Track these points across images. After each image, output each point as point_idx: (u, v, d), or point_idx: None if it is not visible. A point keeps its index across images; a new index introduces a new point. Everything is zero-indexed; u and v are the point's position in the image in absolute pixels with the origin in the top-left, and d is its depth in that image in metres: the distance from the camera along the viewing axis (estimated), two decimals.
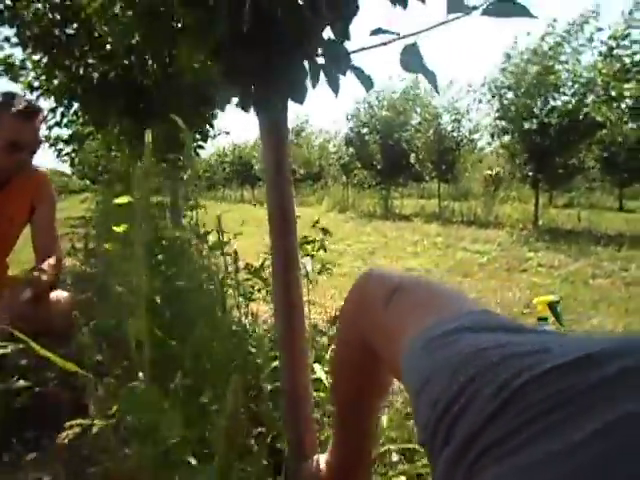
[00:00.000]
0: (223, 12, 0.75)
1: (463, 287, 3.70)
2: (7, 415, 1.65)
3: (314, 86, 0.85)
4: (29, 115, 1.79)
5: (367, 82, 0.93)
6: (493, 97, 7.30)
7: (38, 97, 3.09)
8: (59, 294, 1.95)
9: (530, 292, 3.46)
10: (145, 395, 1.28)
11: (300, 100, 0.87)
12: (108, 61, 2.81)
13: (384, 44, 0.91)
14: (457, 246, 5.70)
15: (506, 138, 7.68)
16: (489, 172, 10.26)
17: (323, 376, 1.25)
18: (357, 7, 0.89)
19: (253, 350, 1.70)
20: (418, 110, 10.57)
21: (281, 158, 0.96)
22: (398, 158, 11.14)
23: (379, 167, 11.52)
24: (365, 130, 11.95)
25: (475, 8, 0.82)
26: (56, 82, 2.87)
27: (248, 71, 0.82)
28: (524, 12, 0.81)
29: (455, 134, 9.69)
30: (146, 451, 1.11)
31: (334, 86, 0.94)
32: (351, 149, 12.70)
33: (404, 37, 0.88)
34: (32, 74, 2.99)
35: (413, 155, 10.85)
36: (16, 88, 3.62)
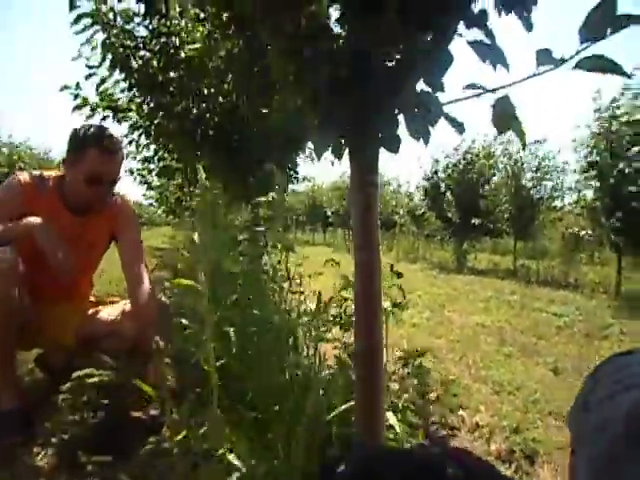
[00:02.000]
0: (320, 63, 0.80)
1: (539, 348, 3.53)
2: (84, 430, 1.73)
3: (414, 137, 0.88)
4: (112, 150, 1.89)
5: (460, 128, 0.95)
6: (585, 157, 7.05)
7: (140, 135, 3.33)
8: (145, 297, 1.97)
9: None
10: (212, 427, 1.31)
11: (394, 150, 0.90)
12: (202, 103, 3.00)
13: (476, 96, 0.93)
14: (532, 306, 5.47)
15: (589, 194, 7.39)
16: (569, 230, 9.85)
17: (396, 424, 1.23)
18: (451, 59, 0.92)
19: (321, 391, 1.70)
20: (500, 164, 10.40)
21: (371, 204, 0.99)
22: (474, 211, 10.96)
23: (453, 219, 11.37)
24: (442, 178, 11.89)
25: (564, 61, 0.82)
26: (155, 122, 3.08)
27: (344, 121, 0.86)
28: (616, 69, 0.81)
29: (536, 191, 9.43)
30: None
31: (425, 137, 0.97)
32: (426, 200, 12.62)
33: (495, 90, 0.90)
34: (135, 116, 3.24)
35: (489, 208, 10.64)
36: (120, 128, 3.91)
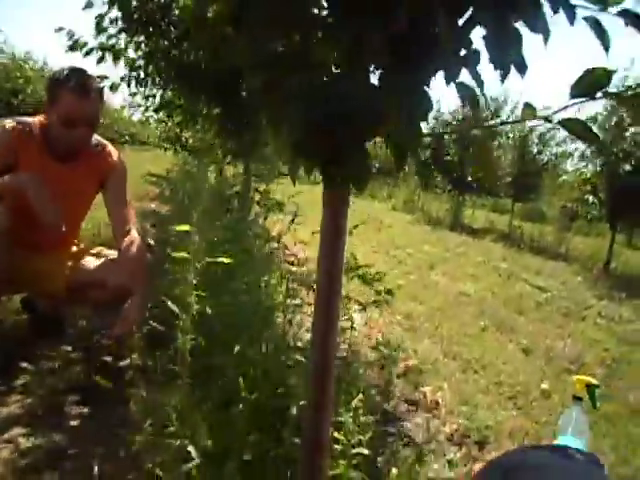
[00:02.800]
0: (296, 107, 0.80)
1: (515, 325, 3.64)
2: None
3: None
4: (86, 91, 1.86)
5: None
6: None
7: (138, 77, 3.25)
8: (133, 250, 1.98)
9: (582, 346, 3.36)
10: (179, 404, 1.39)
11: (361, 189, 0.92)
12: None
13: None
14: (519, 276, 5.56)
15: (590, 168, 7.37)
16: (567, 204, 9.82)
17: (348, 421, 1.30)
18: (431, 105, 0.91)
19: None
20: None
21: (340, 233, 1.02)
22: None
23: (455, 174, 11.29)
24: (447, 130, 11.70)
25: (547, 119, 0.83)
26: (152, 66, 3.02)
27: (316, 156, 0.88)
28: (591, 137, 0.83)
29: (540, 157, 9.36)
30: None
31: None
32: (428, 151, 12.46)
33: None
34: (132, 56, 3.15)
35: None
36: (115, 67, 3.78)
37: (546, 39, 0.81)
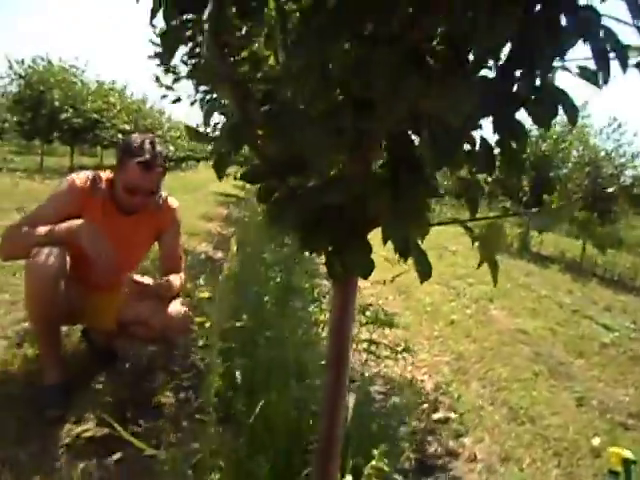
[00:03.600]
0: (290, 206, 0.86)
1: (570, 370, 3.49)
2: None
3: None
4: (150, 166, 2.03)
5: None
6: None
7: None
8: (178, 308, 2.21)
9: None
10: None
11: (365, 276, 0.96)
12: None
13: None
14: (584, 312, 5.31)
15: None
16: None
17: None
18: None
19: None
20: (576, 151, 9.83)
21: (348, 309, 1.06)
22: (548, 190, 10.49)
23: (524, 199, 10.94)
24: None
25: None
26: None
27: (318, 250, 0.93)
28: None
29: (615, 180, 8.89)
30: None
31: None
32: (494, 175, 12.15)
33: None
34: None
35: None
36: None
37: None
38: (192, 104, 4.02)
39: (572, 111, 0.81)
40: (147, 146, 2.02)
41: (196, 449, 1.47)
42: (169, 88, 4.19)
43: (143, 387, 2.28)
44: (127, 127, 15.23)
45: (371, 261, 0.97)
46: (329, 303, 2.83)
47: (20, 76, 12.75)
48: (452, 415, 2.50)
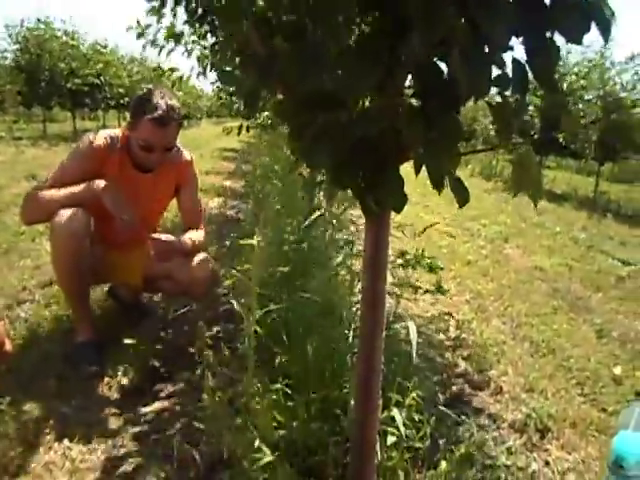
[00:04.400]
0: (323, 142, 0.85)
1: (589, 304, 3.52)
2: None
3: None
4: (165, 123, 1.99)
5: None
6: None
7: (205, 67, 3.38)
8: (203, 261, 2.23)
9: None
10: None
11: (399, 210, 0.96)
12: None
13: None
14: (600, 247, 5.31)
15: None
16: None
17: (400, 422, 1.36)
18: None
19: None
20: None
21: (381, 247, 1.07)
22: (559, 128, 10.27)
23: (536, 136, 10.74)
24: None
25: None
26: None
27: (351, 185, 0.93)
28: None
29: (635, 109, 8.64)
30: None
31: None
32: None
33: None
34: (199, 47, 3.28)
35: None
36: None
37: None
38: (197, 76, 3.93)
39: (605, 25, 0.79)
40: (160, 101, 1.97)
41: (238, 392, 1.52)
42: (173, 70, 4.11)
43: (174, 339, 2.34)
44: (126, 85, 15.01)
45: (404, 194, 0.97)
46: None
47: (17, 41, 12.50)
48: (475, 349, 2.55)
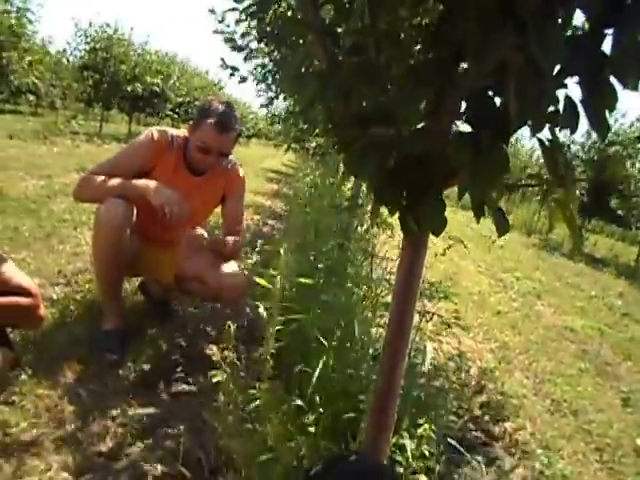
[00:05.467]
0: (371, 155, 0.88)
1: (617, 371, 3.40)
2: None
3: None
4: (225, 129, 2.09)
5: None
6: None
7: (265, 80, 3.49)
8: (234, 268, 2.27)
9: None
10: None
11: (438, 233, 0.97)
12: None
13: None
14: (636, 317, 5.15)
15: None
16: None
17: (409, 449, 1.34)
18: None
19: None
20: None
21: (416, 272, 1.08)
22: (609, 193, 10.12)
23: (583, 200, 10.58)
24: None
25: None
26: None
27: (394, 203, 0.95)
28: None
29: None
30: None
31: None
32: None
33: None
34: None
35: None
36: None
37: None
38: (258, 83, 4.06)
39: None
40: (224, 109, 2.09)
41: (252, 398, 1.53)
42: (234, 69, 4.24)
43: (195, 340, 2.37)
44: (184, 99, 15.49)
45: (444, 218, 0.98)
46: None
47: (86, 41, 13.12)
48: (495, 399, 2.48)
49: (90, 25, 13.28)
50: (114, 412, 1.75)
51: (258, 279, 1.56)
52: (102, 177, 2.04)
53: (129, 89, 13.10)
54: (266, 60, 3.64)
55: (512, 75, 0.79)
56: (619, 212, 10.09)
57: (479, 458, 2.01)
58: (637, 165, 9.77)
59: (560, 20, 0.76)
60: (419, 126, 0.95)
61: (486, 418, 2.32)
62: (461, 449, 1.63)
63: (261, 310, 1.43)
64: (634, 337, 4.35)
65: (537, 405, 2.61)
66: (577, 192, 9.24)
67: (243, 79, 4.17)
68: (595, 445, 2.32)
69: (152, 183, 2.02)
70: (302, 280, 1.51)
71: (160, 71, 14.74)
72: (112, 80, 13.00)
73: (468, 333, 3.48)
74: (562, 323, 4.34)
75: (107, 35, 13.33)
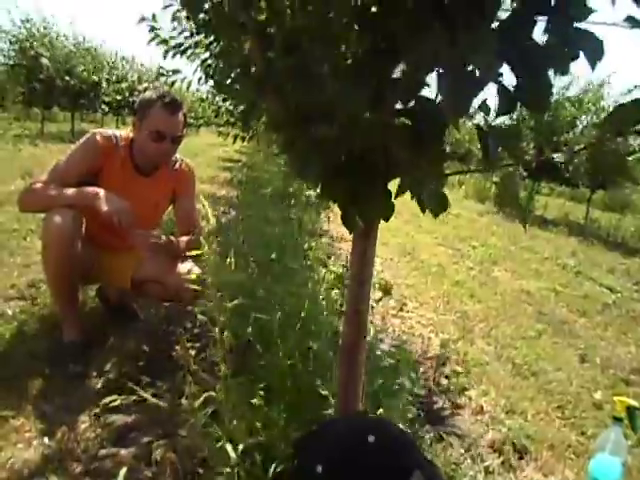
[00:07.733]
0: (314, 156, 0.88)
1: (574, 329, 3.56)
2: None
3: None
4: (175, 108, 2.08)
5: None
6: None
7: (207, 74, 3.42)
8: (189, 268, 2.25)
9: None
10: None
11: (387, 219, 0.99)
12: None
13: None
14: (588, 274, 5.37)
15: None
16: None
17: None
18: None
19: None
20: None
21: (368, 252, 1.10)
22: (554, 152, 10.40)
23: (529, 157, 10.84)
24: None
25: None
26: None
27: (341, 197, 0.96)
28: None
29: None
30: None
31: None
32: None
33: None
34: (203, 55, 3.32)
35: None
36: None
37: None
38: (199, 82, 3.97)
39: (594, 54, 0.80)
40: (164, 91, 2.09)
41: (213, 397, 1.53)
42: (175, 72, 4.13)
43: (158, 342, 2.34)
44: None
45: (392, 204, 1.00)
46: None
47: (10, 42, 12.49)
48: (458, 369, 2.57)
49: (13, 24, 12.62)
50: (83, 425, 1.73)
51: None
52: (48, 186, 1.99)
53: (62, 84, 12.59)
54: (207, 54, 3.56)
55: (445, 72, 0.81)
56: (565, 169, 10.37)
57: (449, 428, 2.09)
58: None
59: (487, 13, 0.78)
60: (359, 122, 0.96)
61: (452, 388, 2.40)
62: (429, 429, 1.68)
63: (200, 316, 1.44)
64: (587, 294, 4.55)
65: (500, 370, 2.71)
66: (519, 172, 9.49)
67: (176, 70, 4.08)
68: (556, 403, 2.43)
69: (100, 191, 1.97)
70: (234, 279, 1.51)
71: (93, 62, 14.19)
72: (46, 77, 12.45)
73: (429, 306, 3.57)
74: (519, 287, 4.49)
75: (29, 32, 12.67)
